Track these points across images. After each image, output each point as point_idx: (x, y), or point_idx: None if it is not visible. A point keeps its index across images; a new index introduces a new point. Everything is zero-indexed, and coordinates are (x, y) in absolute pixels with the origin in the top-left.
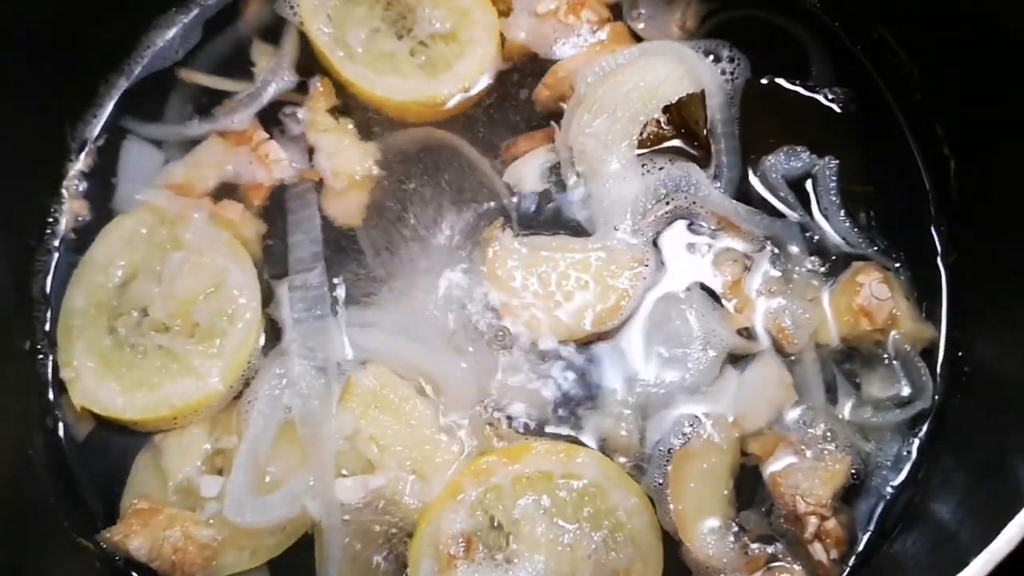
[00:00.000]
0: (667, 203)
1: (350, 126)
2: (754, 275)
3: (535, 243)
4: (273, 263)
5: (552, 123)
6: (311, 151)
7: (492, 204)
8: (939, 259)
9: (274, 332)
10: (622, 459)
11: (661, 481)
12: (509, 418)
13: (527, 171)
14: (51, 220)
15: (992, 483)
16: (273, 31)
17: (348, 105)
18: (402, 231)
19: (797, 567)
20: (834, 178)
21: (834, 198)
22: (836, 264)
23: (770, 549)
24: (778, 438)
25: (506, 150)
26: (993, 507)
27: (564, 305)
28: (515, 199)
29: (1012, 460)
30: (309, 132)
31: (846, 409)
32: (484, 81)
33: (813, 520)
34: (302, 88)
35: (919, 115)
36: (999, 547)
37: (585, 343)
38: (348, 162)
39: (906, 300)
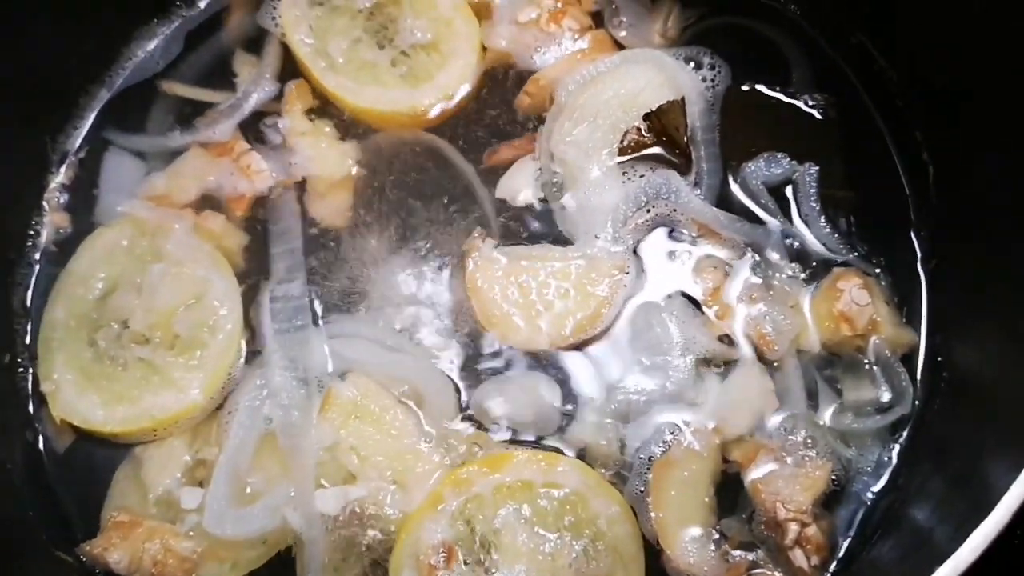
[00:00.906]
0: (648, 211)
1: (327, 128)
2: (735, 282)
3: (515, 252)
4: (255, 274)
5: (534, 131)
6: None
7: (473, 213)
8: (919, 264)
9: (255, 343)
10: (603, 468)
11: (642, 489)
12: (490, 427)
13: (520, 184)
14: (32, 232)
15: (966, 488)
16: (255, 42)
17: (325, 108)
18: (383, 242)
19: (778, 574)
20: (814, 184)
21: (814, 204)
22: (817, 270)
23: (751, 556)
24: (759, 445)
25: (488, 158)
26: (966, 513)
27: (545, 314)
28: (495, 207)
29: (986, 465)
30: (288, 136)
31: (827, 415)
32: (465, 90)
33: (794, 527)
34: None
35: (899, 121)
36: (964, 555)
37: (566, 351)
38: (327, 164)
39: (886, 305)
